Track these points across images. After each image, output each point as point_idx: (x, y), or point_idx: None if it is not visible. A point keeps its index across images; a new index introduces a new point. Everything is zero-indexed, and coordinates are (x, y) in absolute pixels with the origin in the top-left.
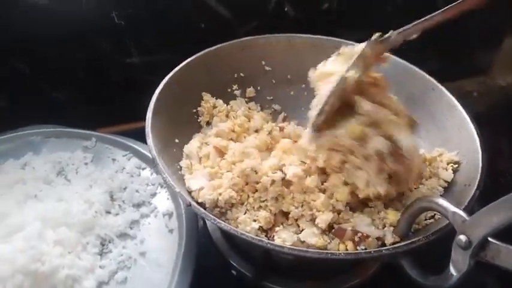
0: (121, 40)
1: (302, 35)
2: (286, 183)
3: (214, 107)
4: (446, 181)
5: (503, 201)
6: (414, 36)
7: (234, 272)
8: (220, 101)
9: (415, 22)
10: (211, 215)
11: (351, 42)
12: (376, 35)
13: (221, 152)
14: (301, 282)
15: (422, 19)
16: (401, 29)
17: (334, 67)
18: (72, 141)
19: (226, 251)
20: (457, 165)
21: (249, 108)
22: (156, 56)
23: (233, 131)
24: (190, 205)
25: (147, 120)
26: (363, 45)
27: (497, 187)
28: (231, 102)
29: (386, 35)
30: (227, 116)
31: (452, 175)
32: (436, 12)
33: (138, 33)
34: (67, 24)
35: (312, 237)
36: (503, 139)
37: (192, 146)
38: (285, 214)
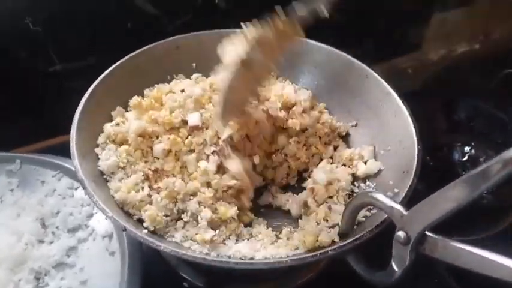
0: (40, 47)
1: (235, 30)
2: None
3: None
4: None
5: (439, 195)
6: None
7: (185, 284)
8: None
9: None
10: (148, 238)
11: None
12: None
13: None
14: (257, 285)
15: None
16: None
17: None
18: None
19: (176, 264)
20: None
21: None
22: (81, 62)
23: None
24: (125, 229)
25: (70, 138)
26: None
27: (435, 162)
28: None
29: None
30: None
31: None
32: None
33: (58, 38)
34: None
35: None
36: (439, 112)
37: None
38: None
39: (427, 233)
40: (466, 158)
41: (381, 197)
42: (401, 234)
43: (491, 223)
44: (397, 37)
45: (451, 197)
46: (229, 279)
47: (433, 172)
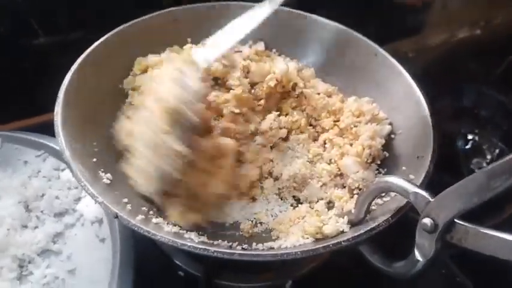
0: (24, 19)
1: (234, 2)
2: None
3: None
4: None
5: (471, 181)
6: None
7: (181, 273)
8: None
9: None
10: (143, 227)
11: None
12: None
13: None
14: (255, 276)
15: None
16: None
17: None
18: None
19: (170, 251)
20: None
21: None
22: (68, 35)
23: None
24: (117, 217)
25: (55, 115)
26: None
27: (438, 149)
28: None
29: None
30: None
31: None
32: None
33: (44, 10)
34: None
35: None
36: (440, 99)
37: None
38: None
39: (456, 220)
40: (469, 145)
41: (402, 182)
42: (427, 221)
43: (496, 211)
44: (398, 20)
45: (485, 183)
46: (226, 268)
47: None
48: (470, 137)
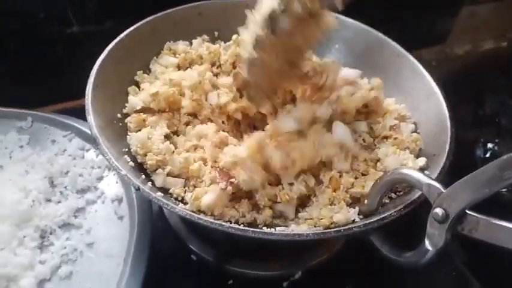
0: (59, 8)
1: None
2: None
3: None
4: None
5: (482, 173)
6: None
7: (194, 257)
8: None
9: None
10: (163, 200)
11: None
12: None
13: None
14: (267, 263)
15: None
16: None
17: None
18: (4, 121)
19: (185, 235)
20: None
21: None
22: (100, 25)
23: None
24: (139, 189)
25: (86, 94)
26: None
27: (456, 157)
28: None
29: None
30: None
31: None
32: None
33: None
34: None
35: None
36: (461, 108)
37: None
38: None
39: (467, 211)
40: (488, 154)
41: (415, 173)
42: (439, 211)
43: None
44: (423, 28)
45: (497, 174)
46: (237, 254)
47: (452, 167)
48: (490, 146)
